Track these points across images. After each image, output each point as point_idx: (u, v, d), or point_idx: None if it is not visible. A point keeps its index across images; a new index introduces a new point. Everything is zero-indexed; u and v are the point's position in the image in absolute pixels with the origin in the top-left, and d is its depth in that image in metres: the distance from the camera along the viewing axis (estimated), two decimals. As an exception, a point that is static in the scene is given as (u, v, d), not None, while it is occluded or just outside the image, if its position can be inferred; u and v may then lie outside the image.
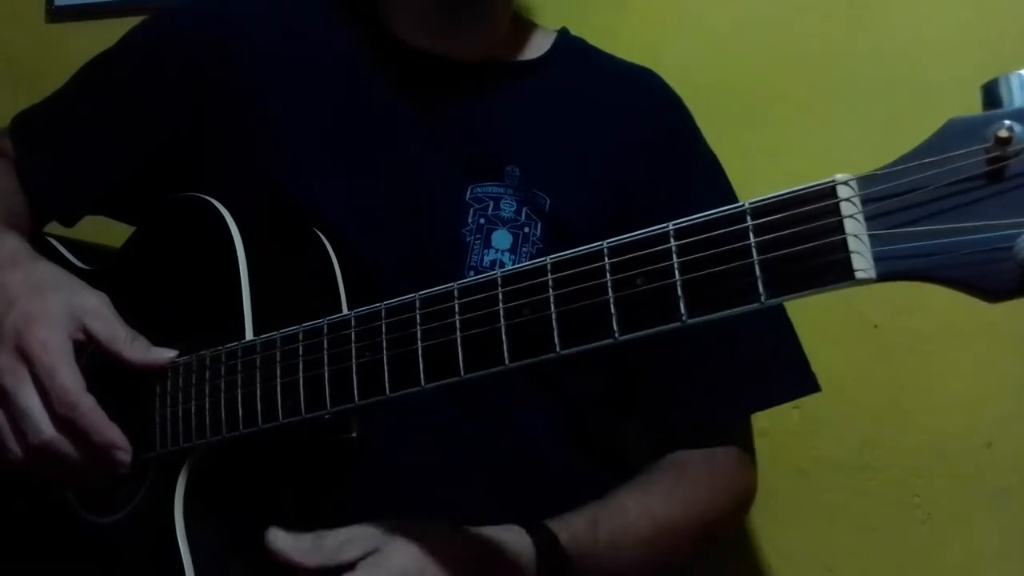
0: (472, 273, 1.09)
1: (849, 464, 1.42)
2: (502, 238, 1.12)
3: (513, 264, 1.07)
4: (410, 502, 1.04)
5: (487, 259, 1.11)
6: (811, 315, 1.24)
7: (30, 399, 0.98)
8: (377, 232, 1.13)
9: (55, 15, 1.81)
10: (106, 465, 0.99)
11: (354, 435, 1.00)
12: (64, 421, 0.98)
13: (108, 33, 1.30)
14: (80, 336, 1.01)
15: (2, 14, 1.85)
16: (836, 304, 1.29)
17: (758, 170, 1.21)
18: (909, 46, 1.46)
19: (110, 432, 0.98)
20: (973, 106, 1.35)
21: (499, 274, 0.78)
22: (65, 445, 0.98)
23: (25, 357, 0.99)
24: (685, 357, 1.14)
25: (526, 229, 1.13)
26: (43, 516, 1.13)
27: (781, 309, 1.16)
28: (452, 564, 0.92)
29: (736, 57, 1.53)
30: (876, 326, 1.42)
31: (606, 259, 0.73)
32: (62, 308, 1.02)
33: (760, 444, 1.27)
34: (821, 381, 1.18)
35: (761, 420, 1.29)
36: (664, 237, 0.70)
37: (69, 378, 0.98)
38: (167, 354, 1.03)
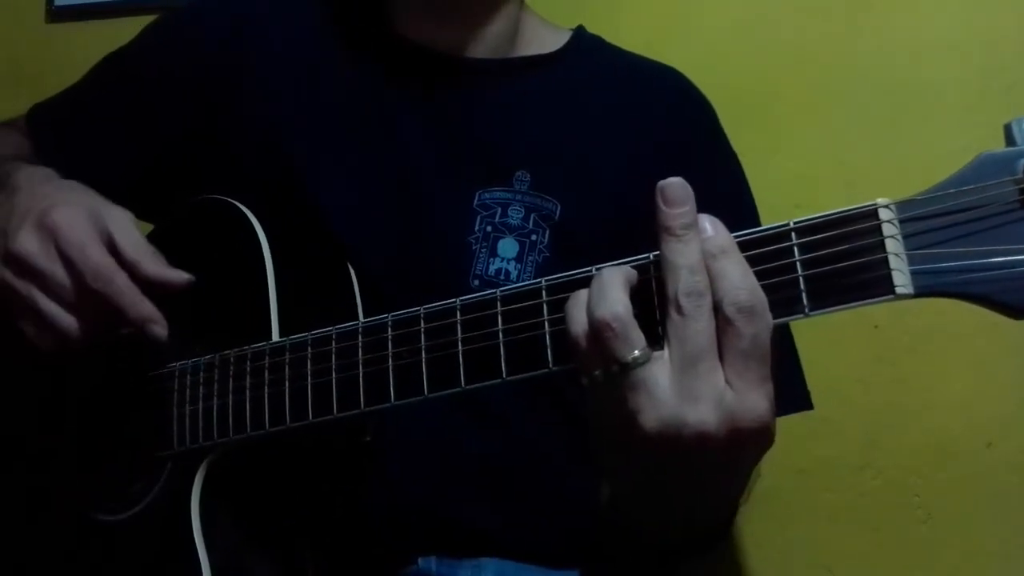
0: (476, 283, 1.13)
1: (849, 464, 1.50)
2: (508, 246, 1.14)
3: (518, 273, 1.13)
4: (418, 508, 1.10)
5: (492, 268, 1.14)
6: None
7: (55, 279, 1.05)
8: (378, 235, 1.17)
9: (55, 15, 1.87)
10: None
11: (368, 439, 1.06)
12: (98, 296, 1.03)
13: (108, 33, 1.38)
14: (104, 239, 1.06)
15: (2, 14, 1.90)
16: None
17: (758, 170, 1.27)
18: (909, 46, 1.56)
19: (144, 307, 1.04)
20: (973, 106, 1.50)
21: (543, 283, 0.84)
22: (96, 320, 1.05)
23: (51, 231, 1.04)
24: None
25: (533, 237, 1.15)
26: (51, 512, 1.16)
27: (788, 330, 1.19)
28: None
29: (735, 57, 1.61)
30: (876, 326, 1.50)
31: (651, 272, 0.79)
32: (89, 207, 1.08)
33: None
34: (822, 381, 1.22)
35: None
36: None
37: (101, 255, 1.03)
38: (184, 275, 1.07)
